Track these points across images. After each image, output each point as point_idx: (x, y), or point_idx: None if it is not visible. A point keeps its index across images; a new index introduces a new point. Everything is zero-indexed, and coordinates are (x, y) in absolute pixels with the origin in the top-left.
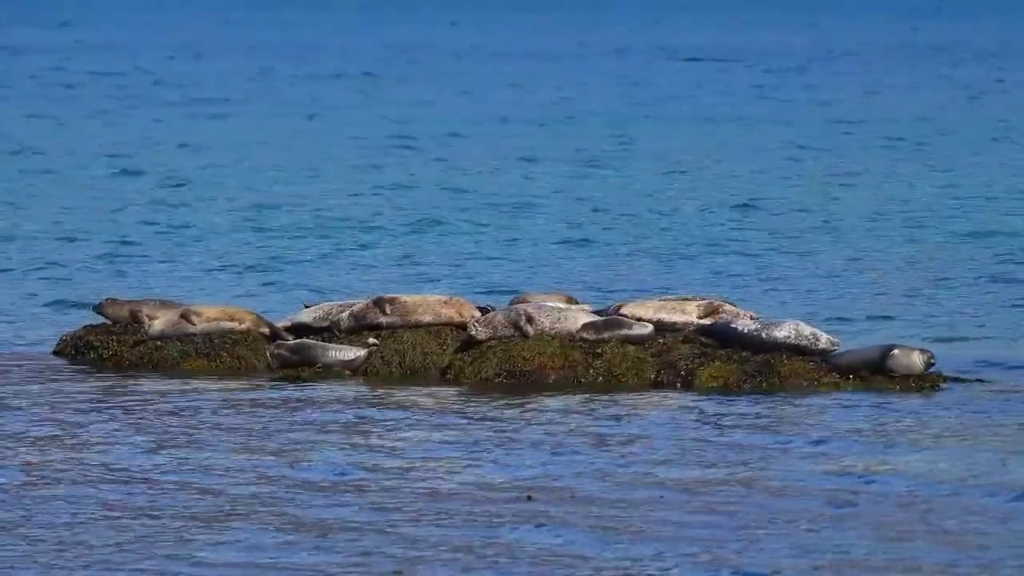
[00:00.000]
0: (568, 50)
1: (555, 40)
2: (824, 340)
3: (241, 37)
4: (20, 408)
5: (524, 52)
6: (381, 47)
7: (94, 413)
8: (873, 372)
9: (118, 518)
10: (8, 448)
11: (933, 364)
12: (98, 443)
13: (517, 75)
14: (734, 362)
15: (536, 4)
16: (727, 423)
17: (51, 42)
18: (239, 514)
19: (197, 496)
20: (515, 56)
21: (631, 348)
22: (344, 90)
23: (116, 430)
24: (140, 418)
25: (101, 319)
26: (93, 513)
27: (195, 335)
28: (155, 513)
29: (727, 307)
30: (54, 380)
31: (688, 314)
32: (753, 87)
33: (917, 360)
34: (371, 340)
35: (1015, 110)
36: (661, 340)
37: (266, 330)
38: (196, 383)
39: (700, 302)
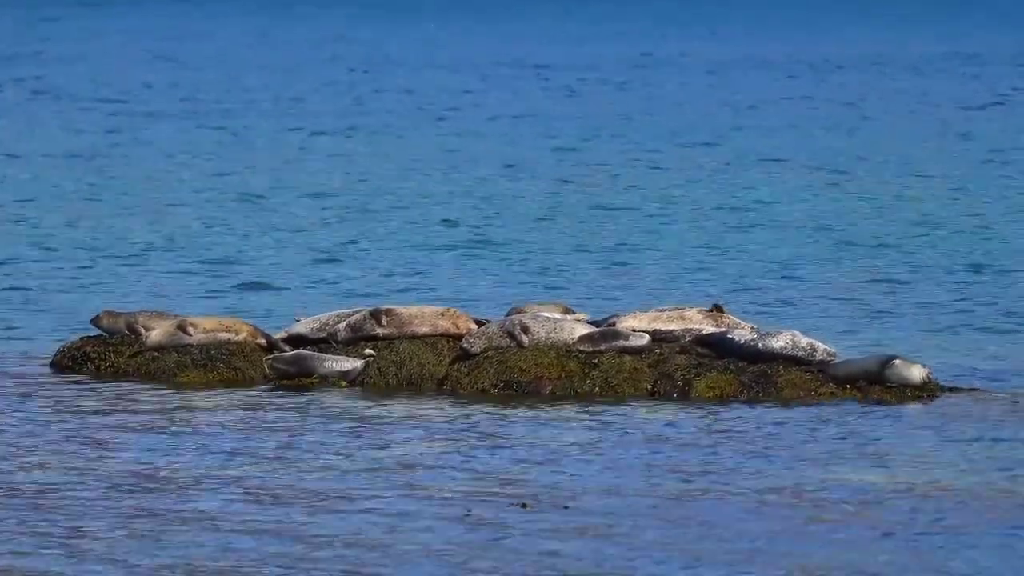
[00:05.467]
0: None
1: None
2: (821, 351)
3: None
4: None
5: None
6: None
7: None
8: (871, 383)
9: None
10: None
11: (932, 378)
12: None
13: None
14: (731, 372)
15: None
16: (720, 433)
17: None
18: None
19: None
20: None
21: (628, 359)
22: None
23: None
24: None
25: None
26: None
27: (192, 346)
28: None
29: (727, 316)
30: (49, 391)
31: (687, 320)
32: None
33: (916, 372)
34: (368, 351)
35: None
36: (658, 351)
37: (263, 341)
38: (192, 394)
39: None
